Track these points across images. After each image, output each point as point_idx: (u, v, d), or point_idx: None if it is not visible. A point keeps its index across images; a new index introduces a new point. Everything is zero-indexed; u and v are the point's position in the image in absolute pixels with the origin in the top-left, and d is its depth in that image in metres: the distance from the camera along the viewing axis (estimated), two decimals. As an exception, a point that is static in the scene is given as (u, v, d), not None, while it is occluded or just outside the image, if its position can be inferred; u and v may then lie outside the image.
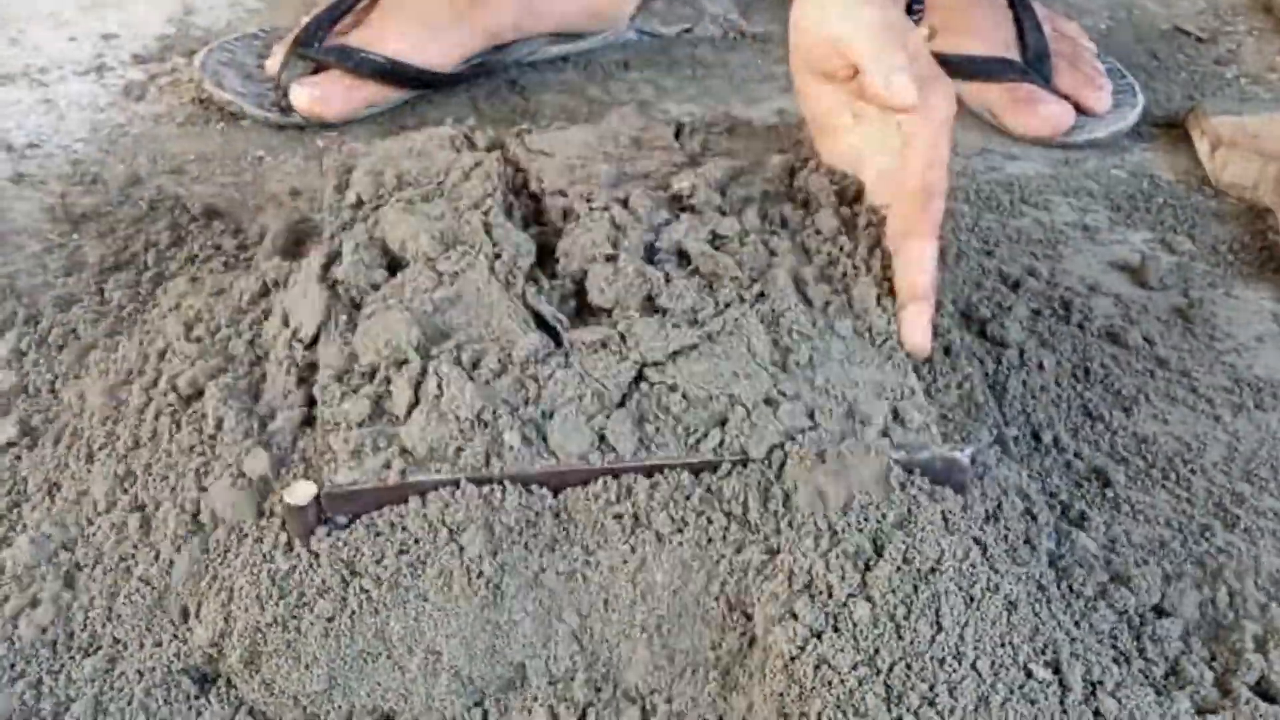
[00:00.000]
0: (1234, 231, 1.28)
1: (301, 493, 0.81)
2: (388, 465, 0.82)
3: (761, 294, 0.92)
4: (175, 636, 0.85)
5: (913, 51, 0.95)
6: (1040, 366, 1.09)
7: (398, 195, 1.00)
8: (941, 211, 0.96)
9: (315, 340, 0.92)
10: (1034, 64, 1.41)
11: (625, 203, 0.97)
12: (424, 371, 0.85)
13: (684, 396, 0.86)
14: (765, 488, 0.83)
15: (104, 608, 0.86)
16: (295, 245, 1.11)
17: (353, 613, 0.80)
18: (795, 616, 0.78)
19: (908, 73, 0.93)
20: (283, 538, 0.83)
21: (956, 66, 1.43)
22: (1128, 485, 1.00)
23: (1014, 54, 1.42)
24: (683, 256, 0.94)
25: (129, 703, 0.83)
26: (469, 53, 1.44)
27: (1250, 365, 1.12)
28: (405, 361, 0.86)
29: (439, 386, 0.84)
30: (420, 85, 1.43)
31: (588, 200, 0.98)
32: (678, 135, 1.10)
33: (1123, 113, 1.43)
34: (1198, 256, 1.25)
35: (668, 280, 0.91)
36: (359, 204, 1.02)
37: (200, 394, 0.92)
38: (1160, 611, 0.90)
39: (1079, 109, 1.41)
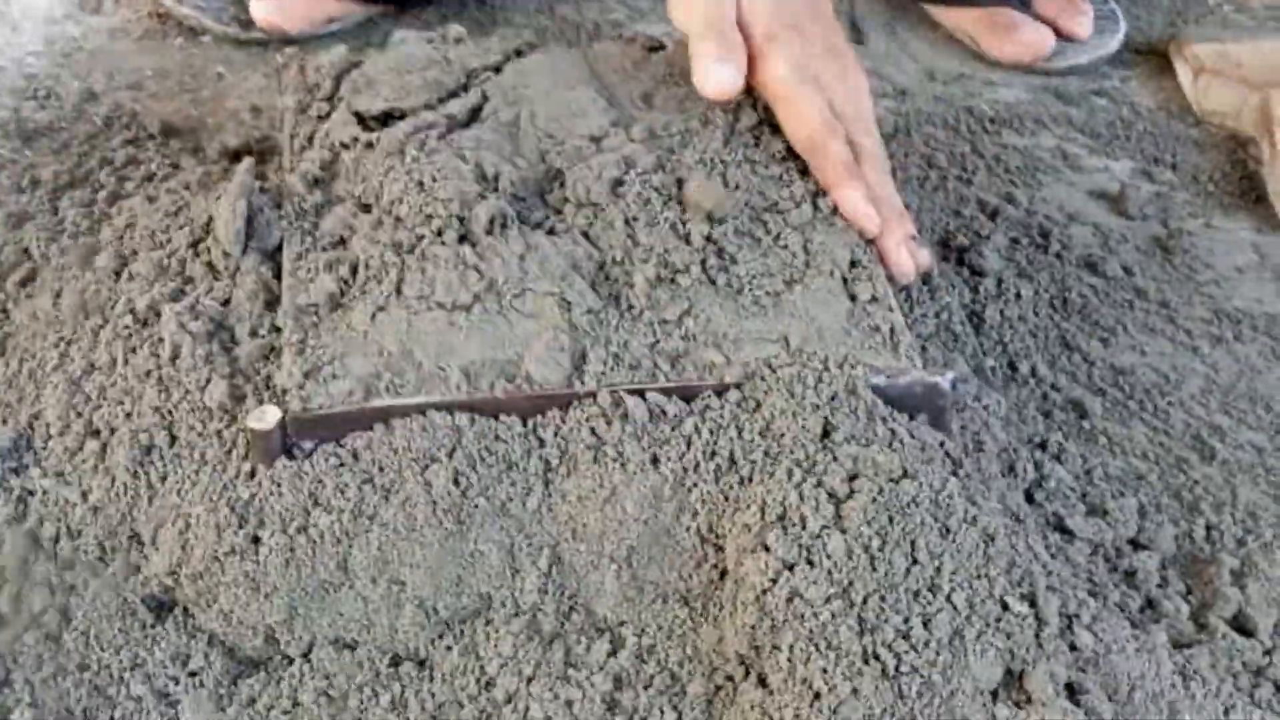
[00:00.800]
0: (1215, 161, 1.26)
1: (266, 417, 0.79)
2: (355, 389, 0.80)
3: (743, 227, 0.90)
4: (130, 564, 0.83)
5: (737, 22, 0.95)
6: (1018, 296, 1.08)
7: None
8: (845, 155, 0.93)
9: (276, 256, 0.90)
10: None
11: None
12: (396, 292, 0.83)
13: (662, 323, 0.84)
14: (739, 417, 0.81)
15: (57, 533, 0.84)
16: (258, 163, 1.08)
17: (314, 542, 0.78)
18: (767, 548, 0.76)
19: (714, 59, 0.94)
20: (243, 466, 0.81)
21: None
22: (1105, 417, 0.99)
23: None
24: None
25: (83, 631, 0.80)
26: None
27: (1230, 297, 1.11)
28: (378, 280, 0.84)
29: (411, 306, 0.82)
30: (386, 0, 1.39)
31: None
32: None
33: (1105, 39, 1.40)
34: (1178, 186, 1.23)
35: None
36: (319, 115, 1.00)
37: (158, 316, 0.89)
38: (1137, 545, 0.89)
39: (1060, 34, 1.39)
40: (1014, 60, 1.38)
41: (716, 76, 0.94)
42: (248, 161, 0.95)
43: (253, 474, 0.80)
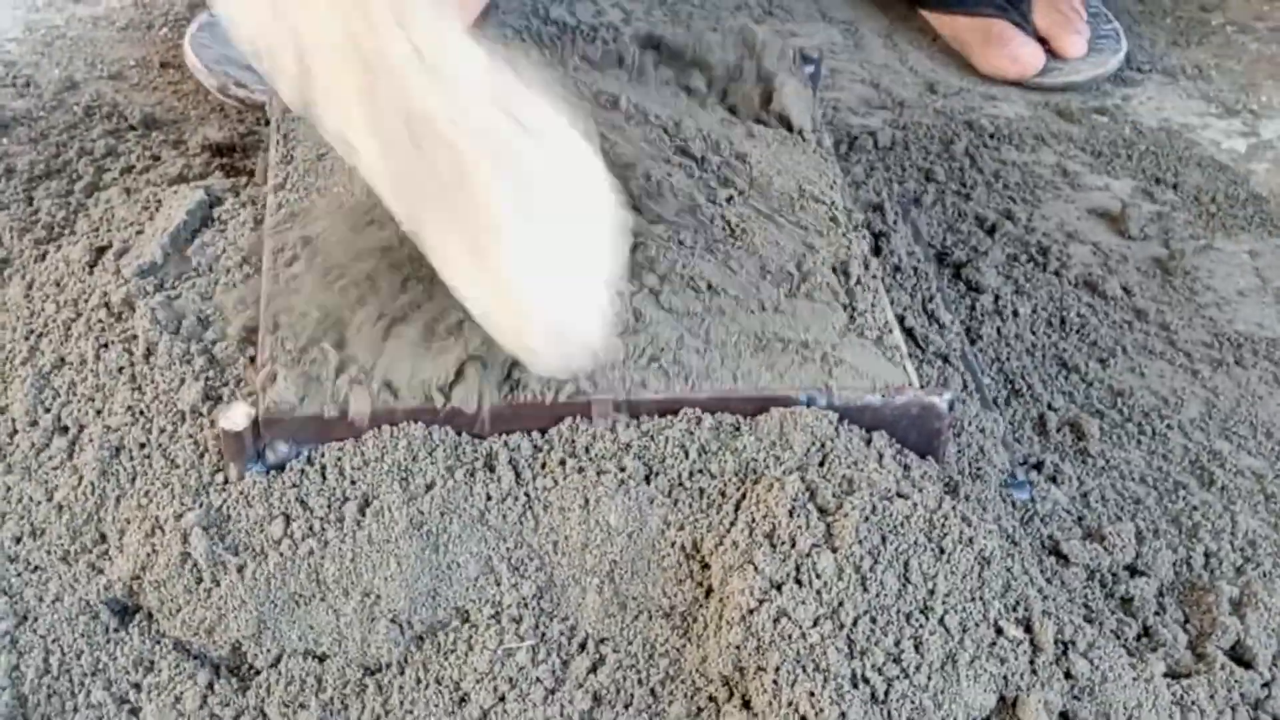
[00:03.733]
0: (1217, 182, 1.24)
1: (237, 416, 0.76)
2: (332, 392, 0.77)
3: (741, 241, 0.88)
4: (95, 566, 0.80)
5: None
6: (1015, 314, 1.06)
7: None
8: None
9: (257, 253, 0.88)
10: (1013, 0, 1.37)
11: None
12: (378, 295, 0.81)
13: (655, 335, 0.82)
14: (729, 431, 0.78)
15: (19, 532, 0.81)
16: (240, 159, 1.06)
17: (285, 554, 0.75)
18: (755, 566, 0.74)
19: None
20: (215, 472, 0.78)
21: None
22: (1102, 439, 0.96)
23: None
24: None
25: (43, 634, 0.78)
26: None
27: (1231, 320, 1.09)
28: (359, 285, 0.82)
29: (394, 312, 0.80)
30: None
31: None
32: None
33: (1104, 58, 1.38)
34: (1179, 206, 1.21)
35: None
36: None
37: (133, 311, 0.87)
38: (1134, 571, 0.87)
39: (1054, 52, 1.37)
40: (1001, 74, 1.36)
41: None
42: (199, 195, 0.92)
43: (225, 480, 0.78)
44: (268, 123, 1.01)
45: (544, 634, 0.77)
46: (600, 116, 0.97)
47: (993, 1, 1.36)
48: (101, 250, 0.94)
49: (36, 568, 0.80)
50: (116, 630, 0.78)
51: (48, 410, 0.85)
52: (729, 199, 0.91)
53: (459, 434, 0.77)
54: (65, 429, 0.84)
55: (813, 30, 1.41)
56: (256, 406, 0.77)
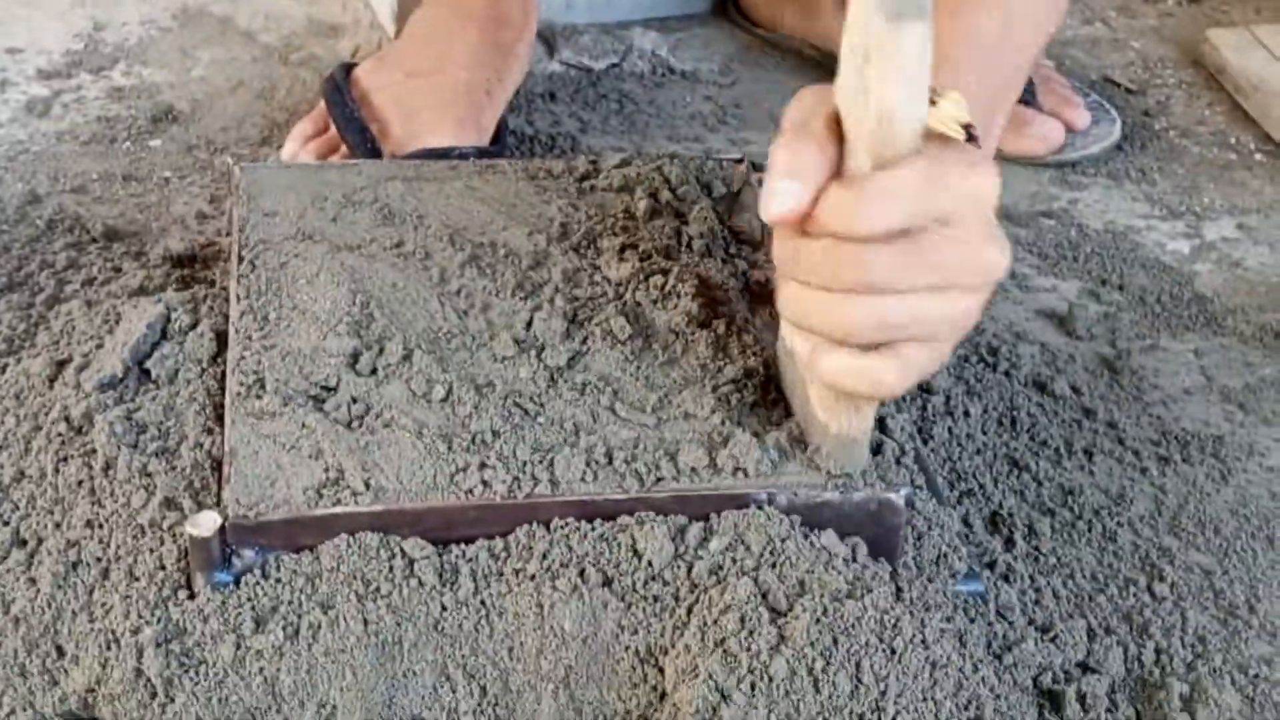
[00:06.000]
0: (1162, 282, 1.27)
1: (205, 523, 0.77)
2: (299, 497, 0.78)
3: (687, 345, 0.90)
4: (51, 678, 0.80)
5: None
6: (966, 414, 1.07)
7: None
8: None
9: (221, 358, 0.89)
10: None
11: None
12: (350, 401, 0.84)
13: (605, 439, 0.83)
14: (681, 533, 0.79)
15: (-26, 646, 0.81)
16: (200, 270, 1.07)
17: (241, 667, 0.75)
18: (707, 672, 0.74)
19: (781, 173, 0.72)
20: (175, 586, 0.79)
21: None
22: (1053, 537, 0.98)
23: None
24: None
25: (-4, 750, 0.78)
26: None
27: (1177, 418, 1.11)
28: (331, 389, 0.84)
29: (363, 413, 0.83)
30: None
31: None
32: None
33: (1107, 128, 1.43)
34: (1125, 307, 1.24)
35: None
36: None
37: (93, 424, 0.87)
38: (1085, 668, 0.88)
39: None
40: (1030, 154, 1.40)
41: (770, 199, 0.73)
42: (159, 308, 0.94)
43: (186, 594, 0.78)
44: (228, 233, 1.02)
45: (500, 741, 0.77)
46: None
47: None
48: (62, 364, 0.94)
49: (-9, 681, 0.80)
50: (71, 744, 0.78)
51: (6, 524, 0.85)
52: (672, 305, 0.92)
53: (417, 539, 0.78)
54: (24, 542, 0.84)
55: (767, 138, 1.44)
56: (223, 512, 0.78)
